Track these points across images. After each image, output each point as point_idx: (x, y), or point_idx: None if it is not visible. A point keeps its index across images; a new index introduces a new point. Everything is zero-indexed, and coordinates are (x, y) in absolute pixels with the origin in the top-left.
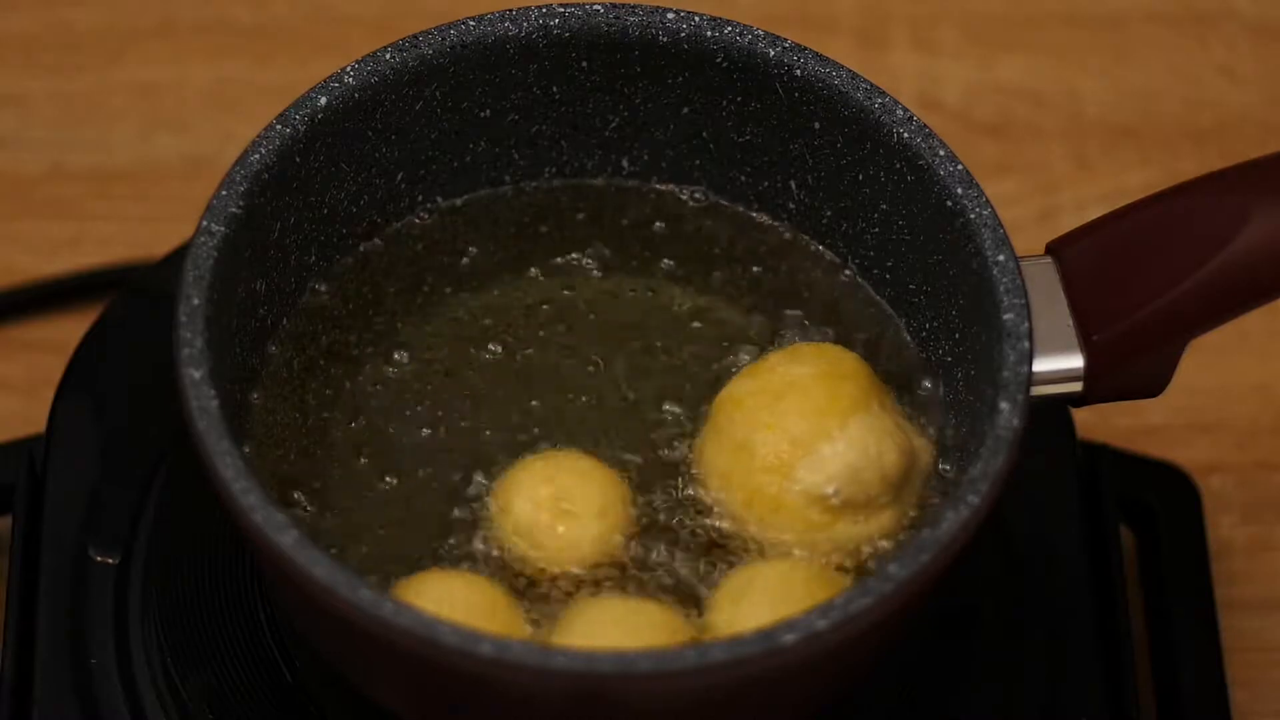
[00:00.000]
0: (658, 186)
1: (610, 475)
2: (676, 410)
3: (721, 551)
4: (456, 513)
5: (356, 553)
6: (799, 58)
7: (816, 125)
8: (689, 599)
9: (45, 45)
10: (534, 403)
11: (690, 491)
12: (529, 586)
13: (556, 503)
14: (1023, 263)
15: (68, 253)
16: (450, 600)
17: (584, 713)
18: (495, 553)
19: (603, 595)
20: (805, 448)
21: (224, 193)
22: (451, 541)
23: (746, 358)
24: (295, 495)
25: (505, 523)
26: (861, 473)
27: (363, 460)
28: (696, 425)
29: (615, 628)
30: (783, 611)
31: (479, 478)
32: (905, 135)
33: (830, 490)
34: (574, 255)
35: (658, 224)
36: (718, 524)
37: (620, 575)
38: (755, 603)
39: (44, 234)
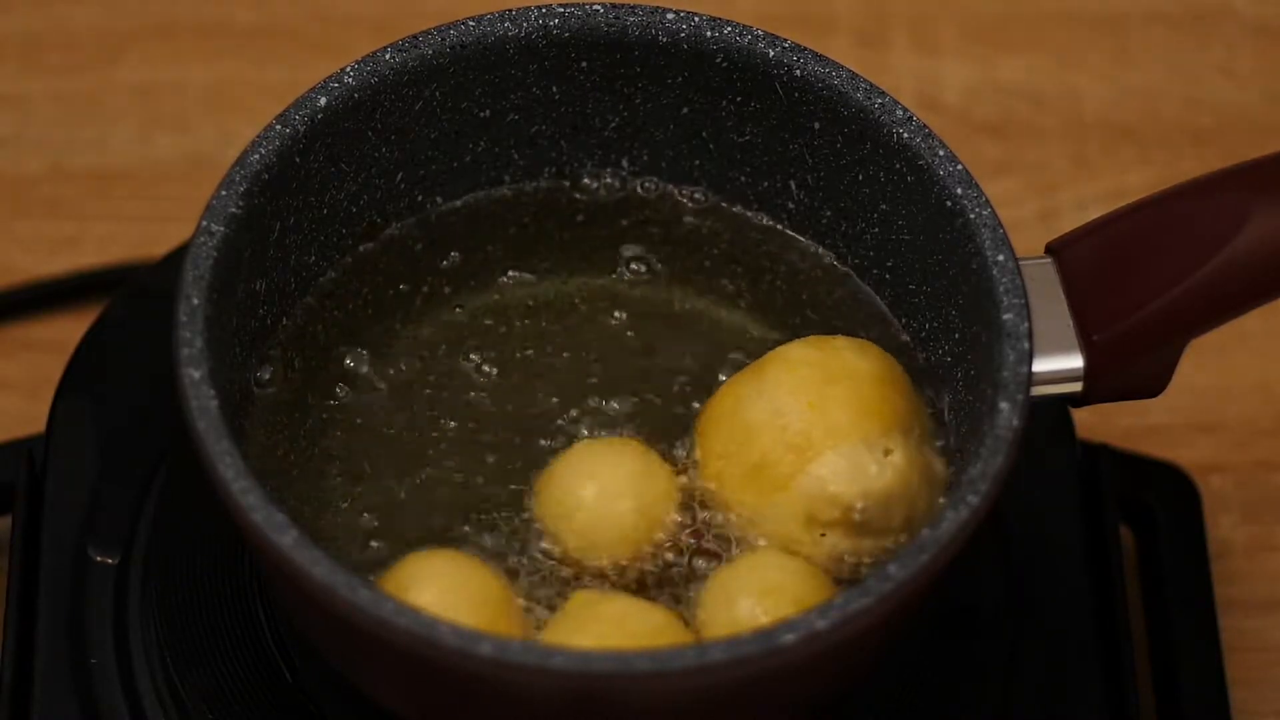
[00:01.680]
0: (657, 187)
1: (665, 469)
2: (675, 412)
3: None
4: (457, 511)
5: (356, 551)
6: (798, 58)
7: (816, 125)
8: (683, 594)
9: (45, 45)
10: (534, 403)
11: (692, 492)
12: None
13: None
14: (1023, 263)
15: (68, 253)
16: (440, 579)
17: (583, 713)
18: (515, 547)
19: (601, 592)
20: (837, 439)
21: (224, 193)
22: (452, 540)
23: (746, 359)
24: (295, 495)
25: (551, 514)
26: (893, 504)
27: (363, 460)
28: (694, 426)
29: (614, 626)
30: (775, 609)
31: (478, 477)
32: (905, 135)
33: (859, 506)
34: (574, 256)
35: (657, 224)
36: (710, 488)
37: (623, 570)
38: (749, 599)
39: (44, 234)
